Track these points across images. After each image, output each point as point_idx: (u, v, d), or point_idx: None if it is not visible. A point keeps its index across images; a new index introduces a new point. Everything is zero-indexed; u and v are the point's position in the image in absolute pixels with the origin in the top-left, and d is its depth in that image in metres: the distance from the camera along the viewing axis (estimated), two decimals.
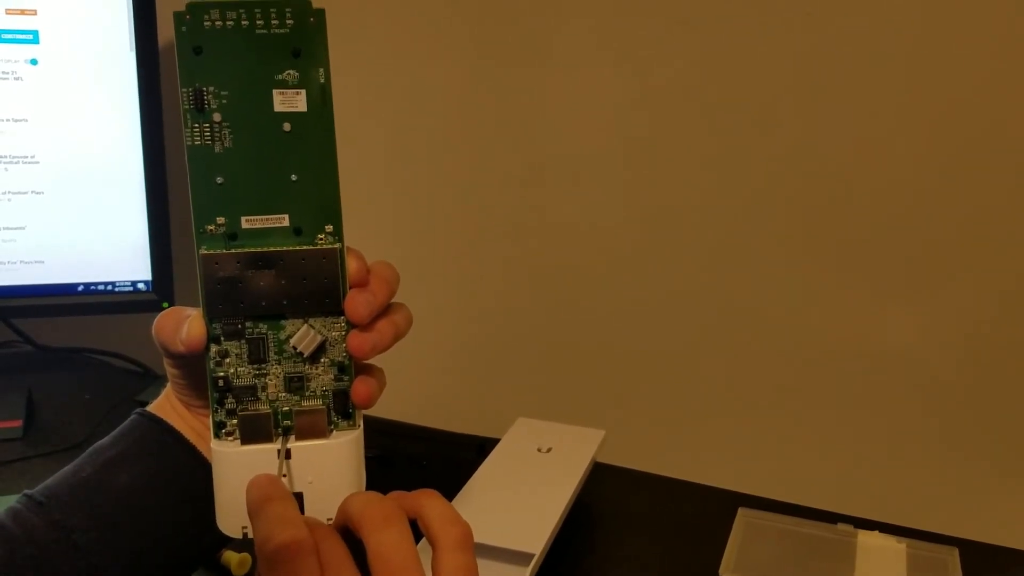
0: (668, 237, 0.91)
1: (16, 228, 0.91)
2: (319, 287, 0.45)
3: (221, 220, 0.44)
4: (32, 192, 0.91)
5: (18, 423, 0.92)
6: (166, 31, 0.91)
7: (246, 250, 0.44)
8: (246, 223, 0.44)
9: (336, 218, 0.45)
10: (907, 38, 0.78)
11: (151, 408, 0.53)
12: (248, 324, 0.45)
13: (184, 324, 0.45)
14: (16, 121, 0.89)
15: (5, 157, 0.89)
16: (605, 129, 0.91)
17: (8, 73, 0.88)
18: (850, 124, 0.81)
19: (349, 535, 0.42)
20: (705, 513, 0.80)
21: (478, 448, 0.85)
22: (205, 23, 0.42)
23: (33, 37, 0.88)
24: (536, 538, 0.65)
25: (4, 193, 0.90)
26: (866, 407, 0.87)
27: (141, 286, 0.96)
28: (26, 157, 0.90)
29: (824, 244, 0.85)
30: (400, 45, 0.97)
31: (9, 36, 0.87)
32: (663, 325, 0.93)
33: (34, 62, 0.88)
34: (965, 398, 0.84)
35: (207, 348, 0.45)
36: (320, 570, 0.39)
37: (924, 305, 0.83)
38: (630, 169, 0.91)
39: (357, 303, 0.45)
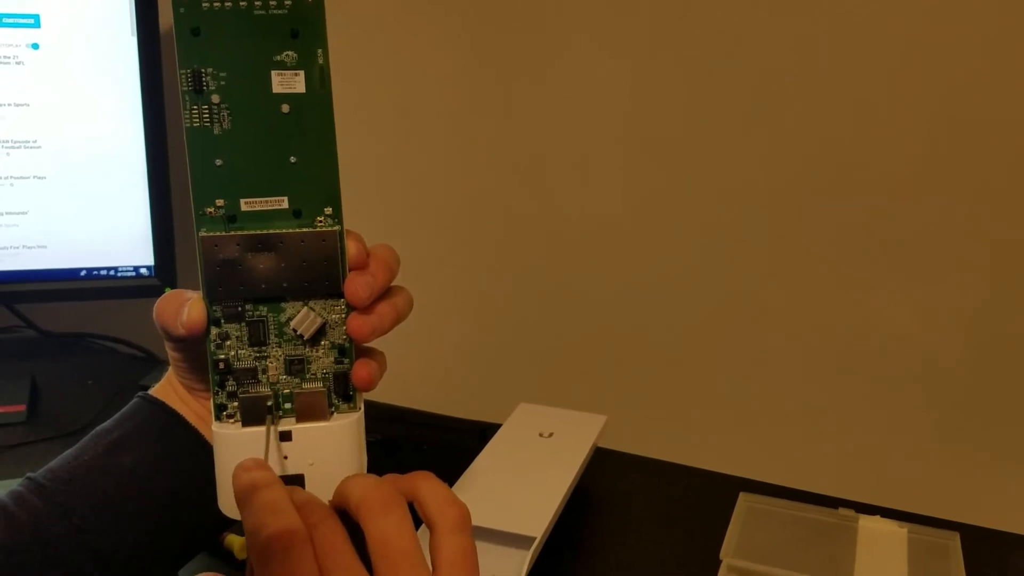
0: (669, 225, 0.91)
1: (19, 213, 0.92)
2: (319, 269, 0.45)
3: (220, 202, 0.44)
4: (34, 177, 0.91)
5: (21, 408, 0.93)
6: (167, 16, 0.91)
7: (246, 232, 0.44)
8: (245, 205, 0.44)
9: (336, 200, 0.45)
10: (907, 22, 0.78)
11: (153, 391, 0.53)
12: (248, 307, 0.45)
13: (184, 307, 0.45)
14: (18, 106, 0.89)
15: (7, 142, 0.89)
16: (606, 119, 0.90)
17: (9, 58, 0.88)
18: (850, 112, 0.81)
19: (346, 515, 0.42)
20: (706, 498, 0.80)
21: (480, 433, 0.85)
22: (203, 4, 0.42)
23: (34, 21, 0.88)
24: (537, 522, 0.65)
25: (6, 178, 0.90)
26: (867, 392, 0.87)
27: (144, 271, 0.96)
28: (28, 142, 0.90)
29: (824, 231, 0.85)
30: (400, 34, 0.97)
31: (10, 20, 0.87)
32: (665, 312, 0.93)
33: (35, 46, 0.88)
34: (966, 384, 0.84)
35: (207, 331, 0.45)
36: (315, 558, 0.38)
37: (924, 292, 0.83)
38: (630, 158, 0.91)
39: (357, 286, 0.45)
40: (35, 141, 0.90)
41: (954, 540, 0.71)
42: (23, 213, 0.92)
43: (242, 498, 0.41)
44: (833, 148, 0.83)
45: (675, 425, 0.96)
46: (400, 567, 0.38)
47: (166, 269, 0.96)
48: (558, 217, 0.95)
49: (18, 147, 0.90)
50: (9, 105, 0.89)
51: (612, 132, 0.91)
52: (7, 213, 0.91)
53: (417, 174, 1.00)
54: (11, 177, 0.90)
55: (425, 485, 0.42)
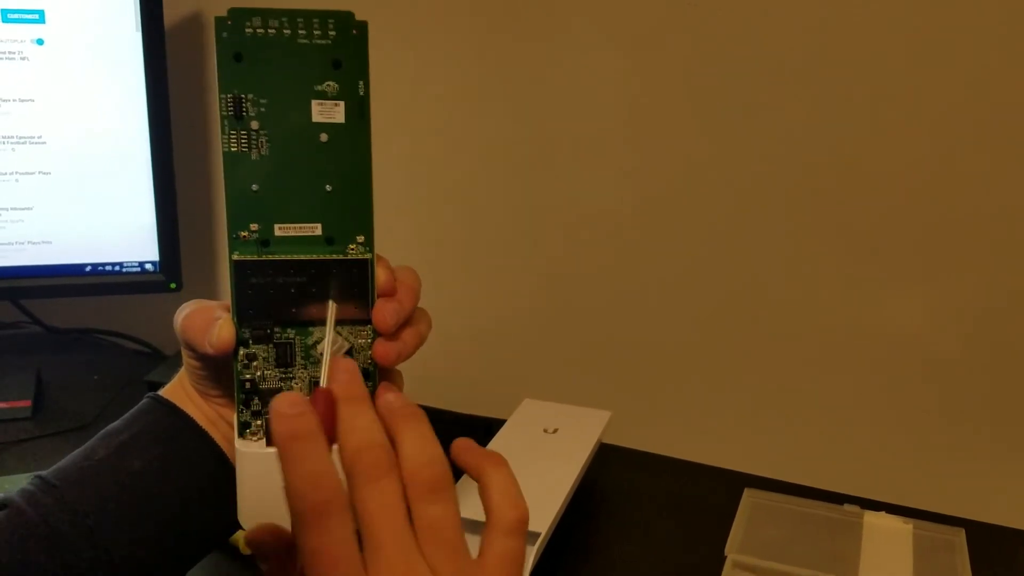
0: (674, 222, 0.91)
1: (24, 208, 0.92)
2: (348, 296, 0.45)
3: (255, 227, 0.44)
4: (39, 172, 0.91)
5: (27, 403, 0.93)
6: (172, 12, 0.91)
7: (278, 257, 0.44)
8: (279, 231, 0.44)
9: (368, 229, 0.45)
10: (914, 21, 0.78)
11: (164, 392, 0.53)
12: (276, 329, 0.45)
13: (214, 326, 0.45)
14: (23, 101, 0.89)
15: (12, 138, 0.89)
16: (612, 115, 0.90)
17: (14, 53, 0.88)
18: (859, 108, 0.81)
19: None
20: (711, 493, 0.80)
21: (485, 429, 0.85)
22: (247, 30, 0.42)
23: (39, 17, 0.87)
24: (542, 517, 0.65)
25: (12, 174, 0.90)
26: (873, 389, 0.87)
27: (149, 267, 0.96)
28: (33, 137, 0.90)
29: (832, 227, 0.85)
30: (401, 32, 0.96)
31: (15, 16, 0.87)
32: (669, 308, 0.94)
33: (40, 42, 0.88)
34: (972, 380, 0.84)
35: (235, 350, 0.45)
36: (351, 526, 0.37)
37: (931, 288, 0.83)
38: (637, 155, 0.90)
39: (386, 313, 0.45)
40: (40, 137, 0.90)
41: (959, 536, 0.71)
42: (28, 209, 0.92)
43: (280, 445, 0.38)
44: (838, 147, 0.83)
45: (680, 421, 0.96)
46: (385, 546, 0.37)
47: (171, 265, 0.96)
48: (562, 214, 0.95)
49: (23, 143, 0.90)
50: (14, 101, 0.89)
51: (616, 131, 0.90)
52: (12, 209, 0.91)
53: (421, 173, 1.00)
54: (16, 173, 0.90)
55: (494, 473, 0.41)
